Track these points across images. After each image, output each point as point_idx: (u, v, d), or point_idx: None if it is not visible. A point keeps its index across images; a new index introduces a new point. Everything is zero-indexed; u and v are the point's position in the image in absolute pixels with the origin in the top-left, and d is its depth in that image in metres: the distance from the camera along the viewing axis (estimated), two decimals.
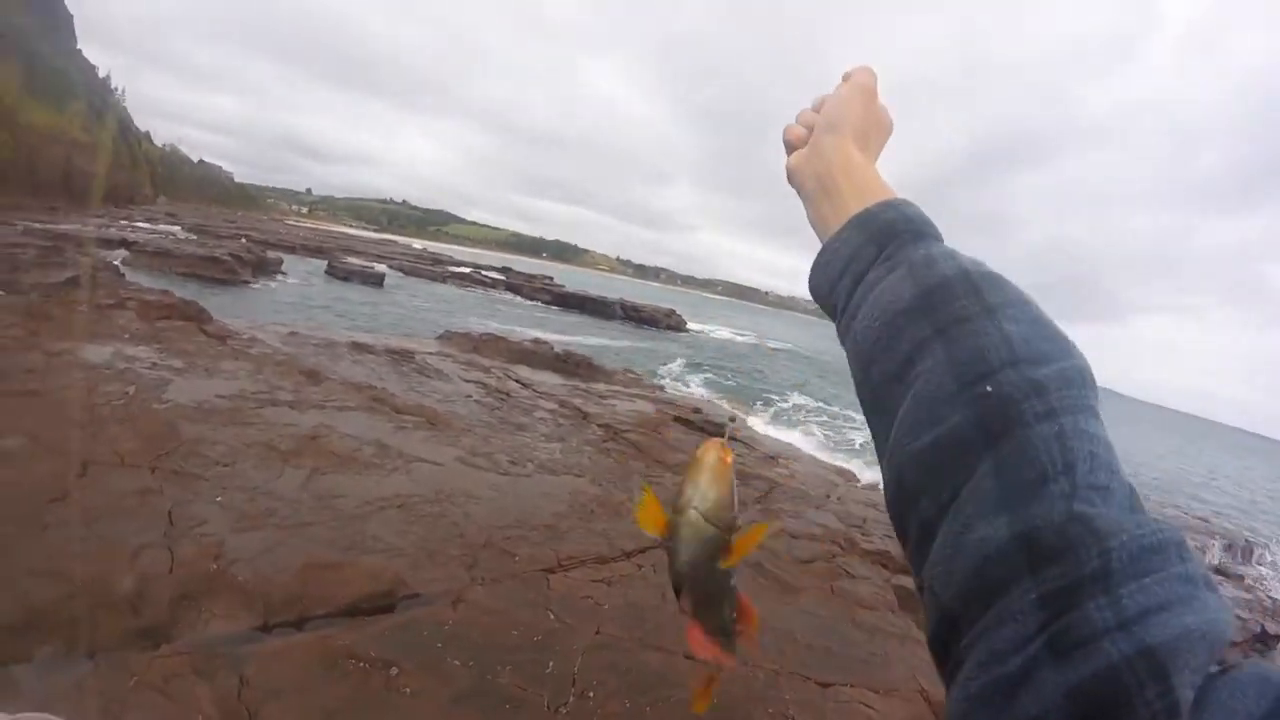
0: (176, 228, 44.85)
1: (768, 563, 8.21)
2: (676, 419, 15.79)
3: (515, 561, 7.18)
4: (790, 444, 19.06)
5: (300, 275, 43.30)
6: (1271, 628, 12.15)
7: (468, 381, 15.37)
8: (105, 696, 4.53)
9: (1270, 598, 14.23)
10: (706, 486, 0.90)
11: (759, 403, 31.32)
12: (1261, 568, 17.67)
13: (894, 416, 0.74)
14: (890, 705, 6.32)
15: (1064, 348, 0.70)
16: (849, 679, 6.36)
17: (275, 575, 6.02)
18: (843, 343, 0.89)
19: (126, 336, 11.92)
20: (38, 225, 23.84)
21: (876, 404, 0.79)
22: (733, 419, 1.18)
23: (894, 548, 10.39)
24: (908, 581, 9.31)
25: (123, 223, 39.18)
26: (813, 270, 0.96)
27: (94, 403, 8.58)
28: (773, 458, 14.94)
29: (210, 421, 8.89)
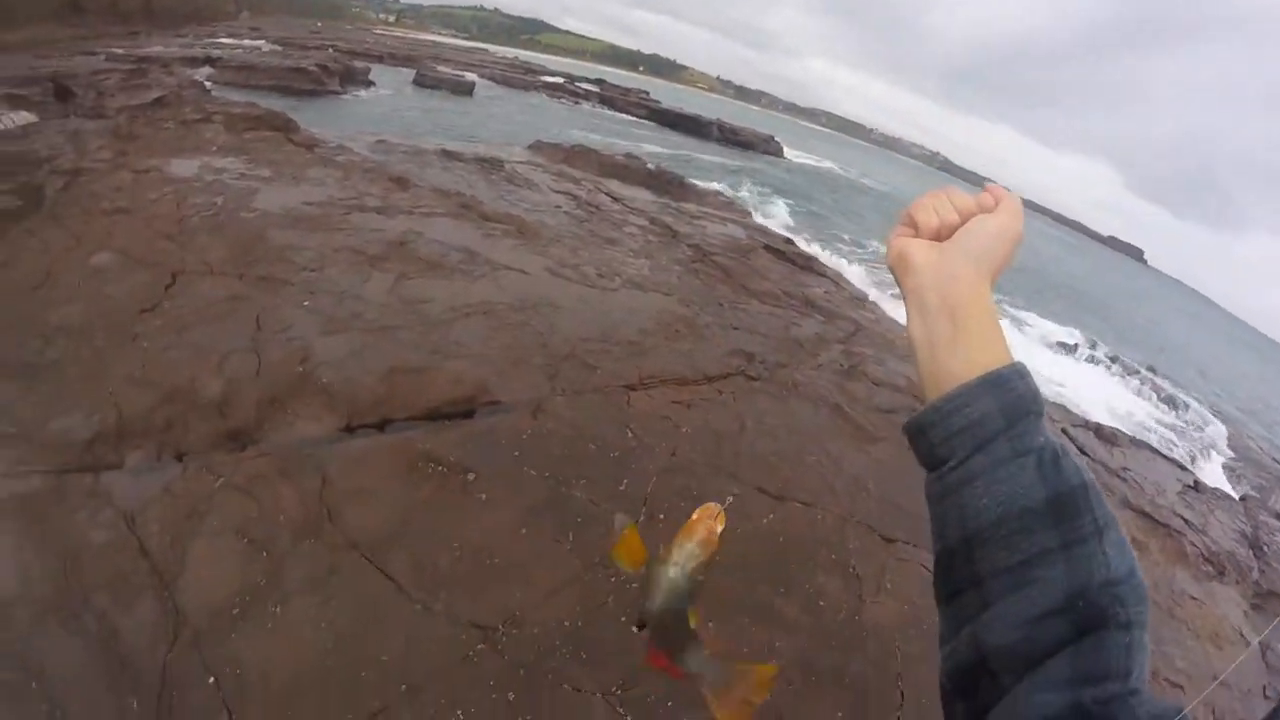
0: (261, 42, 44.00)
1: (848, 407, 7.94)
2: (766, 247, 15.35)
3: (597, 375, 7.08)
4: (875, 293, 18.52)
5: (389, 85, 42.48)
6: None
7: (557, 193, 15.04)
8: (192, 498, 4.67)
9: None
10: (692, 552, 1.05)
11: (849, 242, 30.01)
12: None
13: (987, 596, 0.85)
14: None
15: (1133, 563, 0.83)
16: (913, 539, 6.16)
17: (360, 378, 6.05)
18: (935, 492, 0.94)
19: (214, 149, 11.88)
20: (120, 51, 23.68)
21: (971, 576, 0.87)
22: (729, 500, 1.19)
23: None
24: None
25: (206, 41, 38.56)
26: (929, 412, 0.95)
27: (182, 215, 8.62)
28: (859, 299, 14.41)
29: (298, 228, 8.88)
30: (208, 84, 24.44)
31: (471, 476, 5.24)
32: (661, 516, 5.34)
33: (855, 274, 19.94)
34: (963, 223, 1.04)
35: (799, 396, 7.96)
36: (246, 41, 42.77)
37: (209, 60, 30.40)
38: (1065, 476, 0.86)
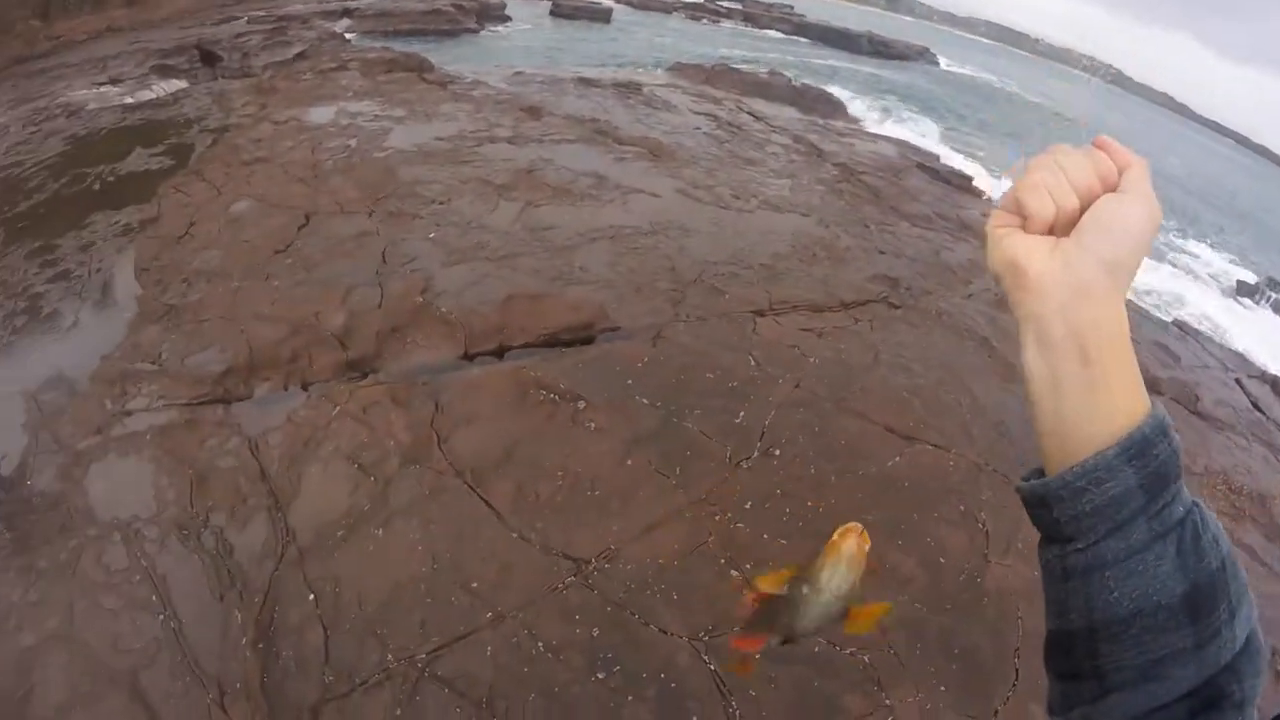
0: None
1: (998, 341, 7.28)
2: (920, 166, 14.54)
3: (724, 300, 6.77)
4: None
5: (525, 18, 42.18)
6: None
7: (697, 114, 14.56)
8: (311, 426, 4.75)
9: None
10: (846, 573, 1.02)
11: (1010, 161, 28.02)
12: None
13: (1108, 685, 0.77)
14: None
15: (1253, 625, 0.77)
16: None
17: (479, 307, 5.99)
18: (1055, 569, 0.81)
19: (349, 95, 12.07)
20: (261, 13, 24.38)
21: (1092, 667, 0.79)
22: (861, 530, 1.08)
23: (1136, 352, 9.16)
24: None
25: None
26: (1056, 485, 0.79)
27: (317, 160, 8.78)
28: None
29: (428, 163, 8.90)
30: (346, 34, 25.03)
31: (582, 405, 5.09)
32: (776, 452, 5.05)
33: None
34: (1084, 206, 0.81)
35: (944, 327, 7.44)
36: None
37: (346, 12, 30.99)
38: (1205, 561, 0.76)
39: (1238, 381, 10.70)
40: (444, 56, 18.28)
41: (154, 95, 12.33)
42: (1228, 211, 46.92)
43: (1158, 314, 12.81)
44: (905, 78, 49.58)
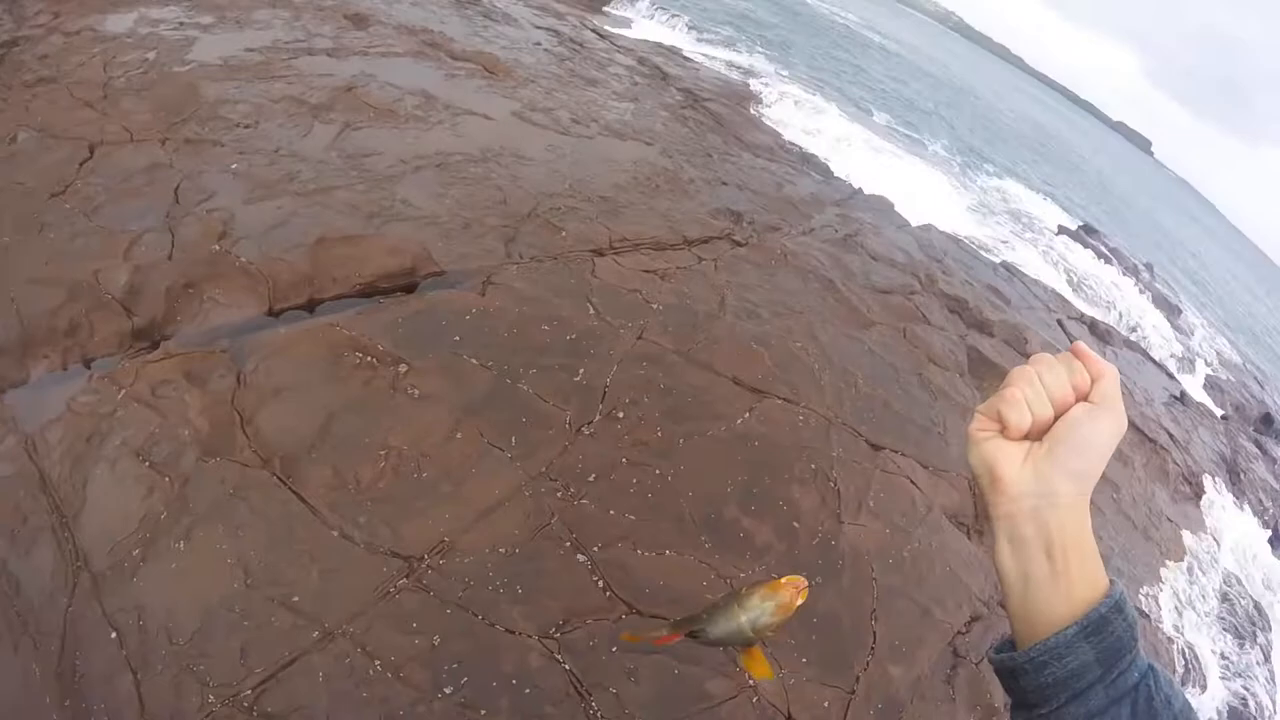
0: None
1: (842, 284, 7.14)
2: (761, 91, 14.40)
3: (561, 238, 6.33)
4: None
5: None
6: None
7: (539, 28, 13.73)
8: (94, 415, 4.04)
9: None
10: (773, 611, 1.07)
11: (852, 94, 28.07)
12: None
13: None
14: (936, 487, 5.49)
15: None
16: (902, 446, 5.54)
17: (284, 254, 5.29)
18: None
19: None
20: None
21: None
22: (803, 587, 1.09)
23: (970, 295, 9.30)
24: (982, 341, 8.27)
25: None
26: (1023, 659, 0.88)
27: (109, 78, 7.60)
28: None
29: (236, 79, 7.88)
30: None
31: (404, 369, 4.59)
32: (620, 415, 4.72)
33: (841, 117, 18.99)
34: (1059, 413, 0.93)
35: (789, 268, 7.27)
36: None
37: None
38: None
39: (1059, 323, 11.39)
40: None
41: None
42: (1054, 160, 49.69)
43: (987, 255, 13.17)
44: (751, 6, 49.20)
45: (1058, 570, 0.87)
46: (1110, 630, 0.84)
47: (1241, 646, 7.88)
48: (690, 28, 22.40)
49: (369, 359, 4.61)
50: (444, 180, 6.68)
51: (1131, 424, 9.07)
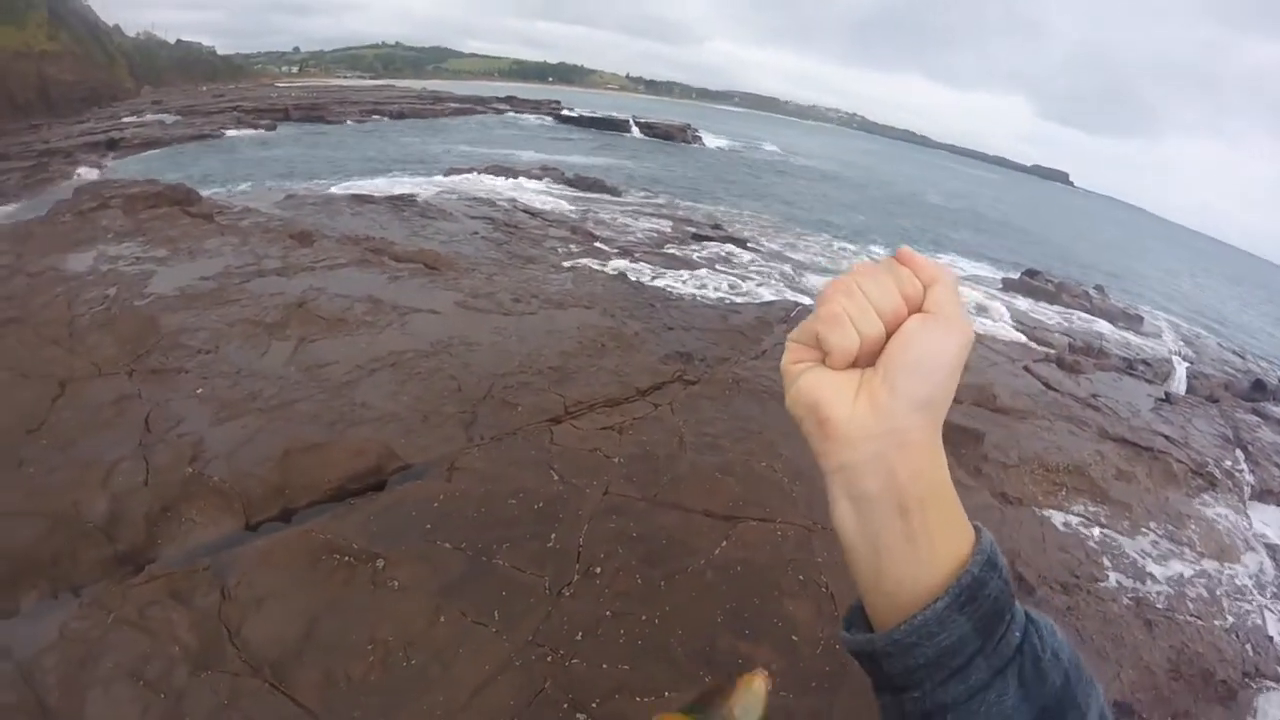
0: (164, 115, 42.26)
1: None
2: (695, 236, 15.06)
3: (517, 413, 6.53)
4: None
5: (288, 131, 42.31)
6: None
7: (474, 218, 14.45)
8: (85, 640, 4.06)
9: None
10: (757, 708, 0.95)
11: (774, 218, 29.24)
12: None
13: None
14: None
15: (1106, 714, 0.70)
16: None
17: (254, 469, 5.43)
18: (888, 705, 0.73)
19: (110, 236, 11.08)
20: (17, 147, 22.64)
21: None
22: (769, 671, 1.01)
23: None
24: (949, 411, 8.40)
25: (108, 123, 37.15)
26: (884, 641, 0.69)
27: (73, 315, 7.89)
28: (793, 273, 13.94)
29: (193, 307, 8.20)
30: (111, 164, 23.52)
31: (381, 563, 4.67)
32: (598, 570, 4.81)
33: (777, 244, 19.68)
34: (890, 330, 0.71)
35: (743, 394, 7.50)
36: (149, 116, 41.24)
37: (111, 143, 29.38)
38: (1049, 683, 0.68)
39: (1026, 369, 11.52)
40: (206, 168, 17.24)
41: None
42: (984, 221, 51.51)
43: None
44: (671, 155, 51.57)
45: (915, 530, 0.69)
46: (986, 592, 0.68)
47: None
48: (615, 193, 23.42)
49: (346, 559, 4.69)
50: (399, 378, 6.91)
51: (1123, 440, 9.16)
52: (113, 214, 12.43)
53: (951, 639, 0.67)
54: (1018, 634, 0.69)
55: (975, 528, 0.72)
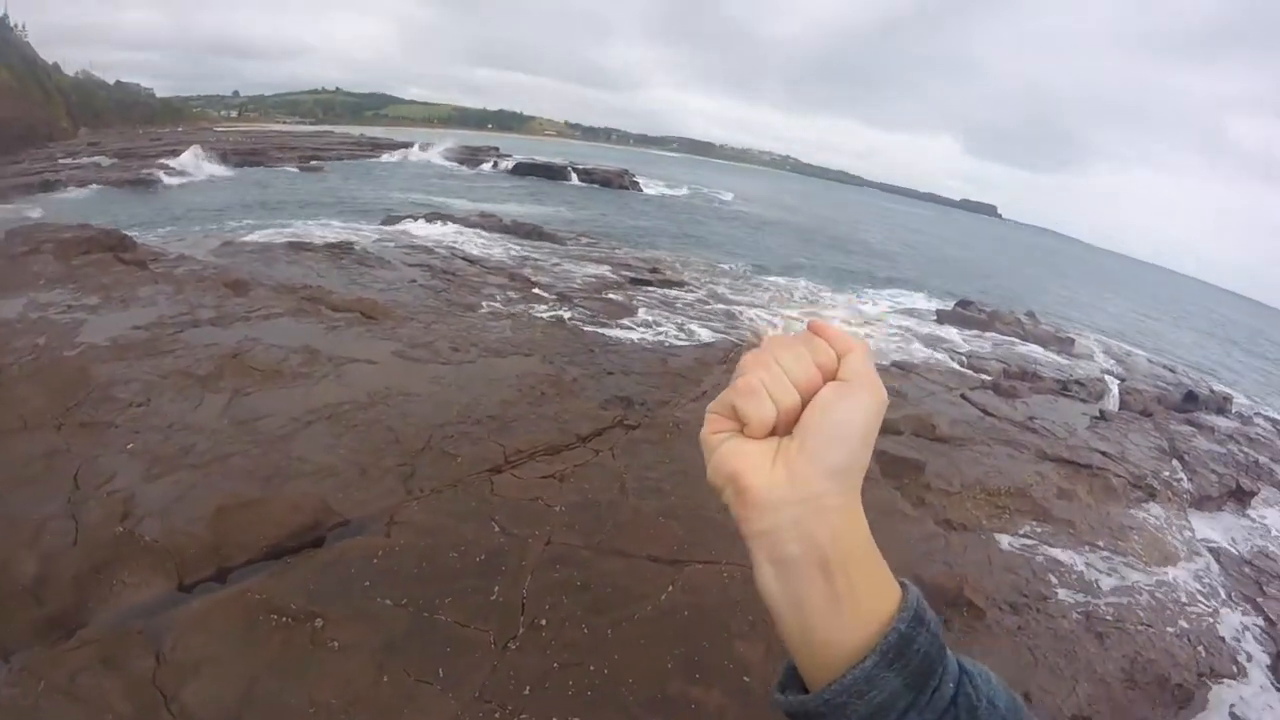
0: (100, 157, 41.18)
1: None
2: (633, 280, 15.19)
3: (457, 464, 6.53)
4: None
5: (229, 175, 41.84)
6: (1246, 484, 11.38)
7: (411, 266, 14.41)
8: (15, 712, 3.94)
9: (1244, 452, 13.11)
10: None
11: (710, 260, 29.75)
12: (1230, 420, 16.25)
13: None
14: None
15: None
16: None
17: (188, 527, 5.33)
18: None
19: (41, 283, 10.76)
20: None
21: None
22: None
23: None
24: (888, 442, 8.56)
25: (43, 164, 36.20)
26: (815, 703, 0.70)
27: (1, 365, 7.64)
28: (733, 312, 14.17)
29: (125, 358, 8.01)
30: (39, 212, 22.90)
31: (320, 622, 4.62)
32: (543, 622, 4.80)
33: (717, 286, 19.88)
34: (805, 400, 0.74)
35: (684, 437, 7.57)
36: (84, 159, 40.17)
37: (45, 184, 28.68)
38: None
39: (964, 397, 11.79)
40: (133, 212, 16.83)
41: None
42: (918, 256, 52.68)
43: (878, 362, 13.78)
44: (609, 202, 51.82)
45: (839, 591, 0.71)
46: (915, 649, 0.70)
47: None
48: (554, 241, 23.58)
49: (284, 619, 4.62)
50: (335, 431, 6.85)
51: (1061, 459, 9.47)
52: (44, 259, 12.07)
53: (883, 696, 0.68)
54: (951, 686, 0.70)
55: (901, 584, 0.74)
